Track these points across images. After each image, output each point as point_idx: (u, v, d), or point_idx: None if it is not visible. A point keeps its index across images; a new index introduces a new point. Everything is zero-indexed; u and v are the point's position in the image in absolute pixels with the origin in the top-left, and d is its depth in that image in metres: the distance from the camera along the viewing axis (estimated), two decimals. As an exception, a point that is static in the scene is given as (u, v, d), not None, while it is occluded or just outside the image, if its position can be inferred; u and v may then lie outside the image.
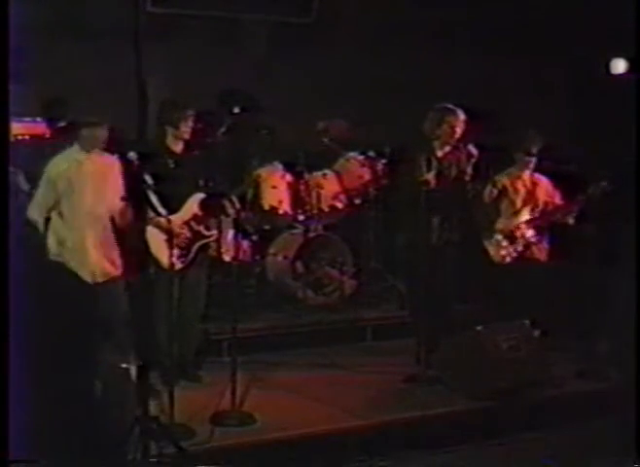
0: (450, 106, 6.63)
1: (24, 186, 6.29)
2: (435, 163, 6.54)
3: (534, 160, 6.99)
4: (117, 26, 5.60)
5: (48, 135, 6.81)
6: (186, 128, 6.09)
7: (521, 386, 6.02)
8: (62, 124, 6.73)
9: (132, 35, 4.24)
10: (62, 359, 4.86)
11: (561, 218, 6.95)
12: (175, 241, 5.58)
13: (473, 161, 6.72)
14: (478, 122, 6.74)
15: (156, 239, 5.67)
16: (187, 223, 5.94)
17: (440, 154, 6.63)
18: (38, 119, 6.88)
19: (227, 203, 5.84)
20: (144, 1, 7.69)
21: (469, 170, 6.72)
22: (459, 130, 6.62)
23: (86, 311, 5.68)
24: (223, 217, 5.86)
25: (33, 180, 6.13)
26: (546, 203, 7.08)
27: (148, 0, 7.88)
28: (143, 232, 5.47)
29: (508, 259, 6.90)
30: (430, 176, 6.48)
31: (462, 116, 6.62)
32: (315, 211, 7.69)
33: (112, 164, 5.77)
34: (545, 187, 7.14)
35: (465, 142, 6.67)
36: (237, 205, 5.87)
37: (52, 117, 6.83)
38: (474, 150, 6.73)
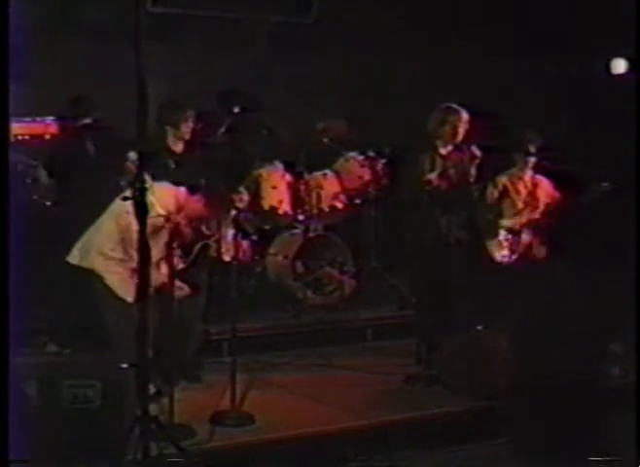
0: (455, 106, 6.62)
1: (45, 179, 6.29)
2: (438, 163, 6.54)
3: (534, 159, 6.99)
4: (117, 26, 5.61)
5: (68, 133, 6.73)
6: (186, 128, 6.10)
7: (521, 386, 6.01)
8: (87, 120, 6.64)
9: (132, 35, 4.24)
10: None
11: (561, 219, 6.96)
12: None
13: (476, 162, 6.72)
14: (481, 122, 6.73)
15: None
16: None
17: (443, 153, 6.63)
18: (38, 119, 6.87)
19: (235, 197, 5.83)
20: (144, 1, 7.70)
21: (472, 172, 6.72)
22: (462, 131, 6.61)
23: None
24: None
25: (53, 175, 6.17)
26: (546, 204, 7.08)
27: (148, 0, 7.89)
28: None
29: (508, 259, 6.90)
30: (433, 176, 6.48)
31: (466, 117, 6.61)
32: (315, 211, 7.69)
33: None
34: (545, 187, 7.13)
35: (468, 143, 6.67)
36: (246, 197, 5.86)
37: (76, 115, 6.74)
38: (477, 151, 6.73)
